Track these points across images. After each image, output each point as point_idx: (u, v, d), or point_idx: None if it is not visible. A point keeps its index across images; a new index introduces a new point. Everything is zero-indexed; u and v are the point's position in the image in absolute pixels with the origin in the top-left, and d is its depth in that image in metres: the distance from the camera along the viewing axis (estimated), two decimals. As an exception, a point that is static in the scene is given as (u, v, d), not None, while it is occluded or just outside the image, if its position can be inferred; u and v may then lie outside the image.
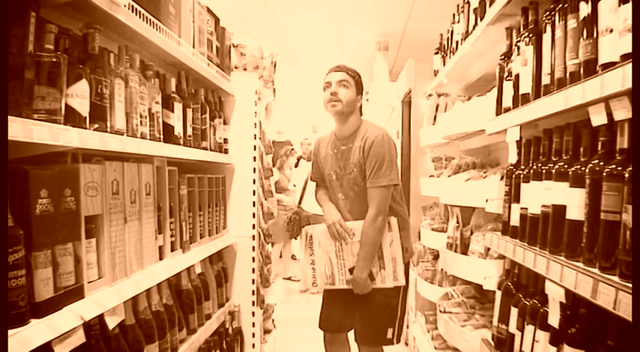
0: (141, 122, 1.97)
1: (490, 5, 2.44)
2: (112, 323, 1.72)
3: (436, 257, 3.88)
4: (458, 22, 3.34)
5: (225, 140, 3.24)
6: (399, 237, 2.80)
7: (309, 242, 2.92)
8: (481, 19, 2.64)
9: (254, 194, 3.40)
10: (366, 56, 7.63)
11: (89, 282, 1.63)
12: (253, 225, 3.40)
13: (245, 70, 3.53)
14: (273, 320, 4.19)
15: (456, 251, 2.93)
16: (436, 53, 4.12)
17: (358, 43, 7.31)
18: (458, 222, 3.02)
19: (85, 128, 1.58)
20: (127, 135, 1.86)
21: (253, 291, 3.42)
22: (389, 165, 2.74)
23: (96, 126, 1.65)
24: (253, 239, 3.40)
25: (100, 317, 1.68)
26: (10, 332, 1.24)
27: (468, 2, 3.00)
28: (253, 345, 3.47)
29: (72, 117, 1.53)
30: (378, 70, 7.26)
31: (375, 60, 7.29)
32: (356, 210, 2.86)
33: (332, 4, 5.76)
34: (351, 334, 3.01)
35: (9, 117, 1.23)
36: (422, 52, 5.46)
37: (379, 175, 2.73)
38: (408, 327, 4.66)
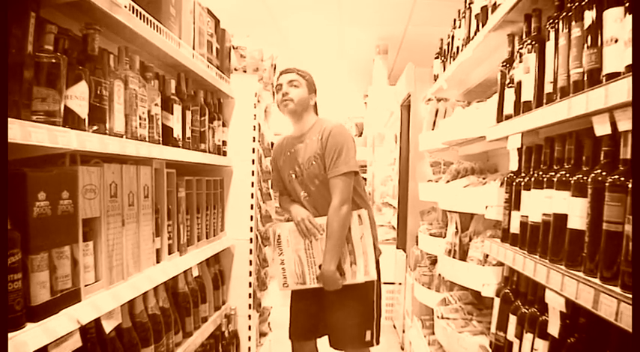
0: (140, 124, 1.96)
1: (492, 12, 2.43)
2: (108, 326, 1.71)
3: (433, 262, 3.87)
4: (459, 27, 3.33)
5: (224, 142, 3.23)
6: (370, 231, 2.77)
7: (278, 241, 2.87)
8: (483, 25, 2.63)
9: (252, 197, 3.38)
10: (365, 59, 7.63)
11: (86, 285, 1.62)
12: (251, 228, 3.39)
13: (245, 72, 3.52)
14: (269, 323, 4.17)
15: (454, 257, 2.92)
16: (436, 58, 4.11)
17: (358, 46, 7.31)
18: (457, 228, 3.00)
19: (84, 130, 1.57)
20: (126, 137, 1.85)
21: (250, 294, 3.40)
22: (347, 153, 2.72)
23: (95, 128, 1.64)
24: (251, 242, 3.39)
25: (97, 320, 1.66)
26: (5, 336, 1.23)
27: (470, 8, 2.99)
28: (249, 349, 3.46)
29: (71, 119, 1.52)
30: (377, 73, 7.26)
31: (375, 63, 7.30)
32: (321, 205, 2.81)
33: (332, 7, 5.76)
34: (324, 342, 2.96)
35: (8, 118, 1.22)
36: (421, 56, 5.47)
37: (339, 163, 2.70)
38: (404, 332, 4.65)
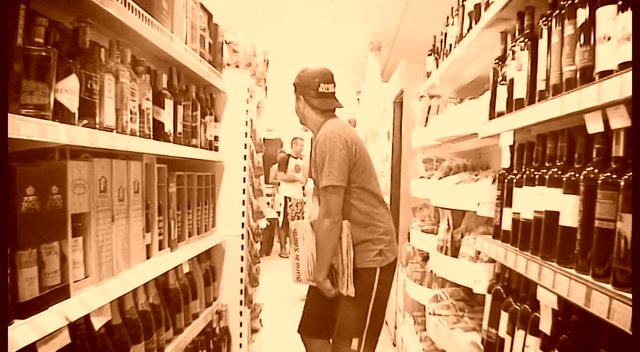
0: (131, 118, 1.94)
1: (486, 9, 2.43)
2: (97, 323, 1.69)
3: (425, 258, 3.88)
4: (452, 24, 3.33)
5: (216, 138, 3.22)
6: (351, 244, 2.65)
7: (294, 237, 2.88)
8: (476, 23, 2.63)
9: (244, 192, 3.37)
10: (358, 56, 7.63)
11: (75, 282, 1.60)
12: (242, 224, 3.38)
13: (237, 67, 3.51)
14: (260, 320, 4.17)
15: (446, 253, 2.92)
16: (429, 55, 4.12)
17: (351, 42, 7.30)
18: (448, 225, 3.01)
19: (74, 124, 1.55)
20: (117, 132, 1.83)
21: (241, 291, 3.40)
22: (329, 165, 2.59)
23: (85, 122, 1.62)
24: (242, 238, 3.38)
25: (86, 316, 1.65)
26: (-8, 332, 1.22)
27: (463, 5, 2.99)
28: (240, 345, 3.45)
29: (60, 113, 1.50)
30: (370, 70, 7.26)
31: (368, 60, 7.29)
32: None
33: (326, 3, 5.75)
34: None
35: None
36: (414, 53, 5.47)
37: (322, 176, 2.61)
38: (396, 328, 4.66)
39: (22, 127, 1.29)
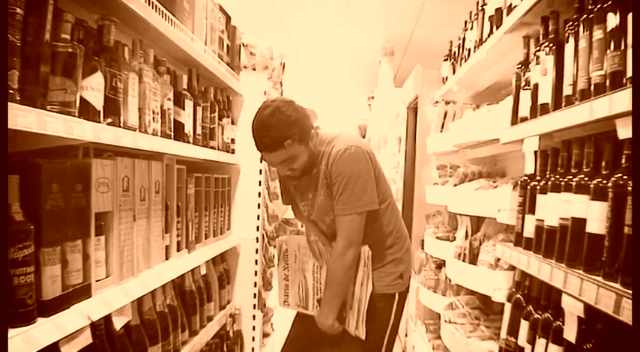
0: (153, 118, 1.94)
1: (508, 14, 2.40)
2: (119, 323, 1.69)
3: (439, 266, 3.84)
4: (471, 29, 3.31)
5: (233, 140, 3.21)
6: (370, 275, 2.32)
7: (284, 254, 2.61)
8: (497, 27, 2.61)
9: (259, 196, 3.37)
10: (370, 61, 7.62)
11: (97, 281, 1.60)
12: (257, 227, 3.37)
13: (254, 70, 3.52)
14: (272, 324, 4.15)
15: (464, 261, 2.89)
16: (445, 60, 4.09)
17: (364, 47, 7.29)
18: (467, 232, 2.98)
19: (99, 122, 1.55)
20: (139, 131, 1.83)
21: (255, 294, 3.38)
22: (358, 187, 2.18)
23: (109, 120, 1.62)
24: (257, 241, 3.37)
25: (106, 316, 1.64)
26: (16, 330, 1.21)
27: (483, 10, 2.97)
28: (253, 349, 3.44)
29: (86, 111, 1.50)
30: (383, 75, 7.25)
31: (381, 65, 7.28)
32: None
33: (340, 8, 5.75)
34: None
35: (23, 107, 1.20)
36: (427, 58, 5.45)
37: (345, 200, 2.19)
38: (406, 336, 4.63)
39: (50, 123, 1.29)
